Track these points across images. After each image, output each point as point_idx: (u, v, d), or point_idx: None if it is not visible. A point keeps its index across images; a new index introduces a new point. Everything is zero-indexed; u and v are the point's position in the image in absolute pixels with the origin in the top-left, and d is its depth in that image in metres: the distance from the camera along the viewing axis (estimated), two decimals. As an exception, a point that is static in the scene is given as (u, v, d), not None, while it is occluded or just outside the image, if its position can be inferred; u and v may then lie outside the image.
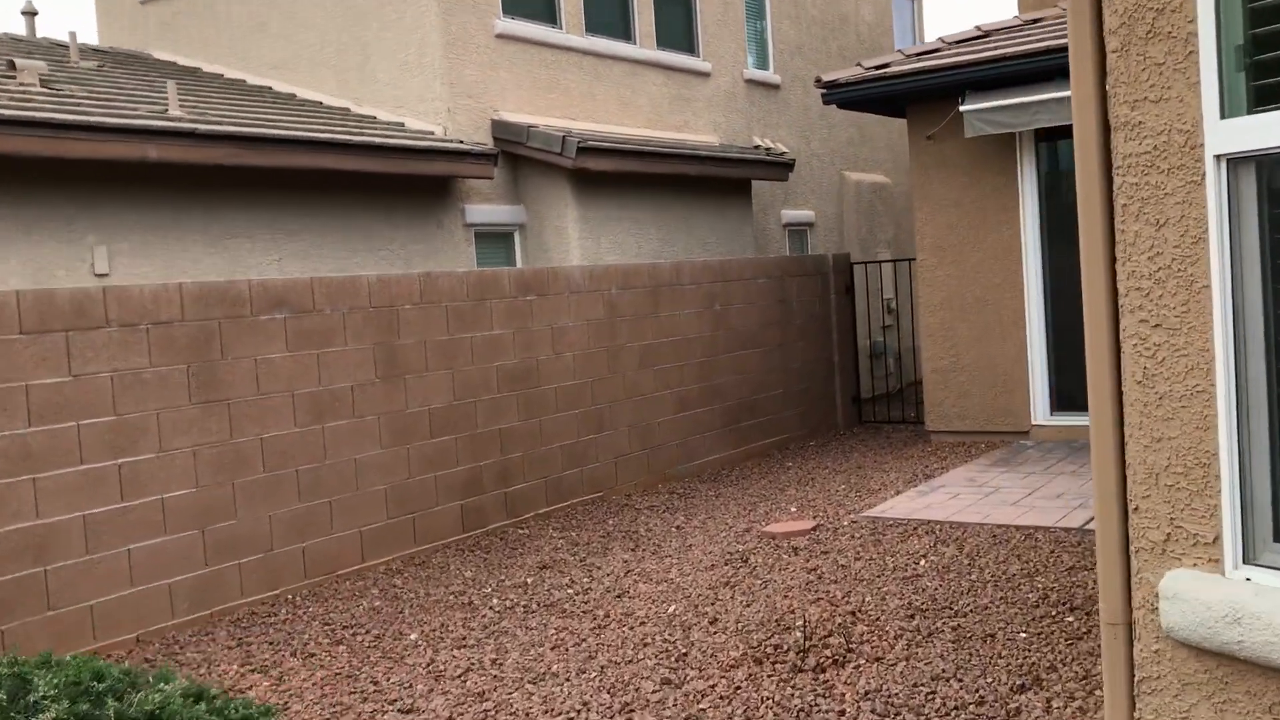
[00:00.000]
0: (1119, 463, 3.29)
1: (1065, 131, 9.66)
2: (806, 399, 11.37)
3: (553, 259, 10.64)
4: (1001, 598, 5.47)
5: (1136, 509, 3.23)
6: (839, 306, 11.98)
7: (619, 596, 6.19)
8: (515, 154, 10.61)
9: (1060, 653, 4.72)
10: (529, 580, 6.68)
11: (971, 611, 5.30)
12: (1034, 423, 9.90)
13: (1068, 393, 9.87)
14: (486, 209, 10.45)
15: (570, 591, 6.37)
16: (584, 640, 5.49)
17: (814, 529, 7.25)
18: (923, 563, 6.24)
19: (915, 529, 7.02)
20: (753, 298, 10.61)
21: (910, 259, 11.97)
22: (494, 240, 10.68)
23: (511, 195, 10.76)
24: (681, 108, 12.73)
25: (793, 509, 8.07)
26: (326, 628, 6.03)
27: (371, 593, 6.65)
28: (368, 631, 5.91)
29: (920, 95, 9.96)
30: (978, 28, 10.42)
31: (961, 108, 9.52)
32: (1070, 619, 5.07)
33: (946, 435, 10.35)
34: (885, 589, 5.79)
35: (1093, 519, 6.76)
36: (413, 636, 5.77)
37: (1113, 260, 3.40)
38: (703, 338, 9.96)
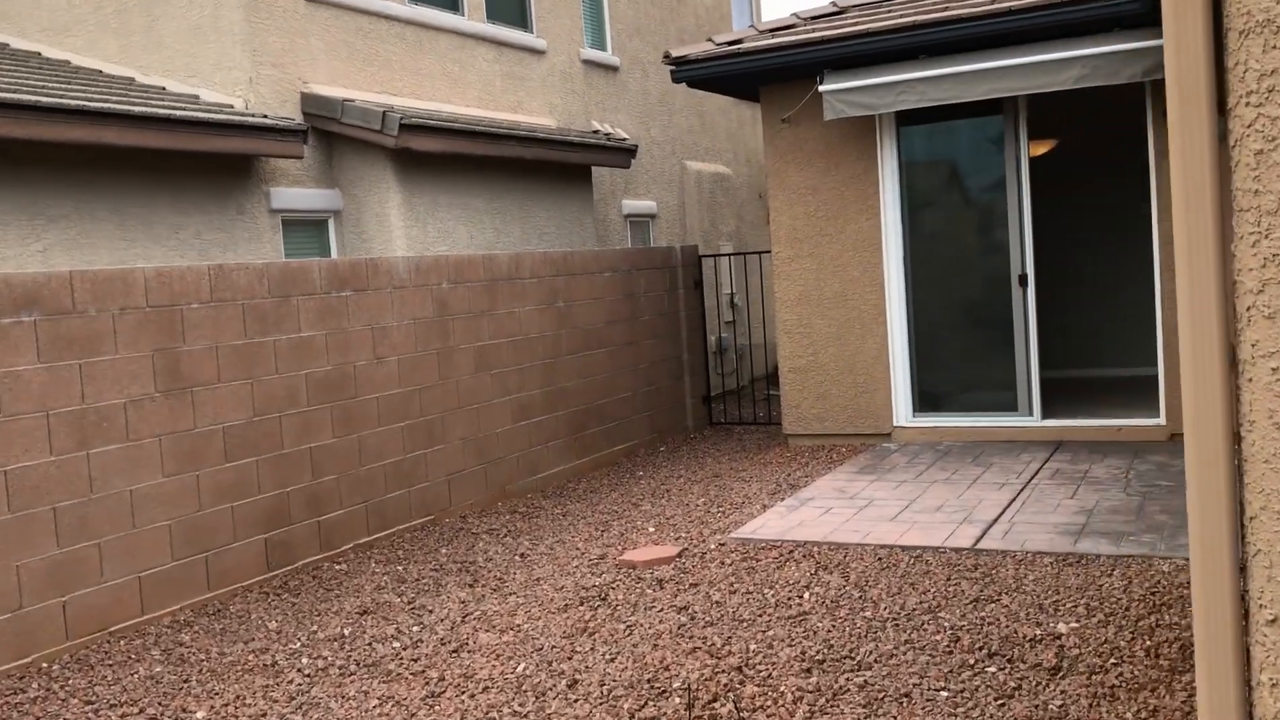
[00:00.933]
0: (1234, 535, 2.48)
1: (929, 115, 9.09)
2: (656, 401, 10.55)
3: (374, 249, 9.50)
4: (906, 641, 4.72)
5: (1263, 605, 2.42)
6: (688, 302, 11.20)
7: (456, 651, 5.19)
8: (329, 132, 9.42)
9: (991, 714, 3.97)
10: (346, 631, 5.61)
11: (876, 662, 4.52)
12: (896, 424, 9.32)
13: (931, 393, 9.33)
14: (296, 193, 9.24)
15: (396, 645, 5.34)
16: (414, 714, 4.48)
17: (679, 555, 6.39)
18: (807, 596, 5.46)
19: (791, 552, 6.25)
20: (599, 293, 9.72)
21: (754, 252, 11.28)
22: (305, 229, 9.47)
23: (326, 178, 9.56)
24: (515, 87, 11.73)
25: (651, 529, 7.20)
26: (89, 707, 4.83)
27: (151, 654, 5.46)
28: (141, 711, 4.75)
29: (776, 74, 9.24)
30: (833, 3, 9.77)
31: (820, 88, 8.84)
32: (993, 669, 4.35)
33: (805, 439, 9.68)
34: (771, 633, 4.97)
35: (985, 534, 6.25)
36: (199, 716, 4.65)
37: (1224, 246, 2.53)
38: (545, 337, 9.01)
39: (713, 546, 6.56)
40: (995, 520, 6.55)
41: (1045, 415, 9.05)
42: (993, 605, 5.06)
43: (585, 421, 9.47)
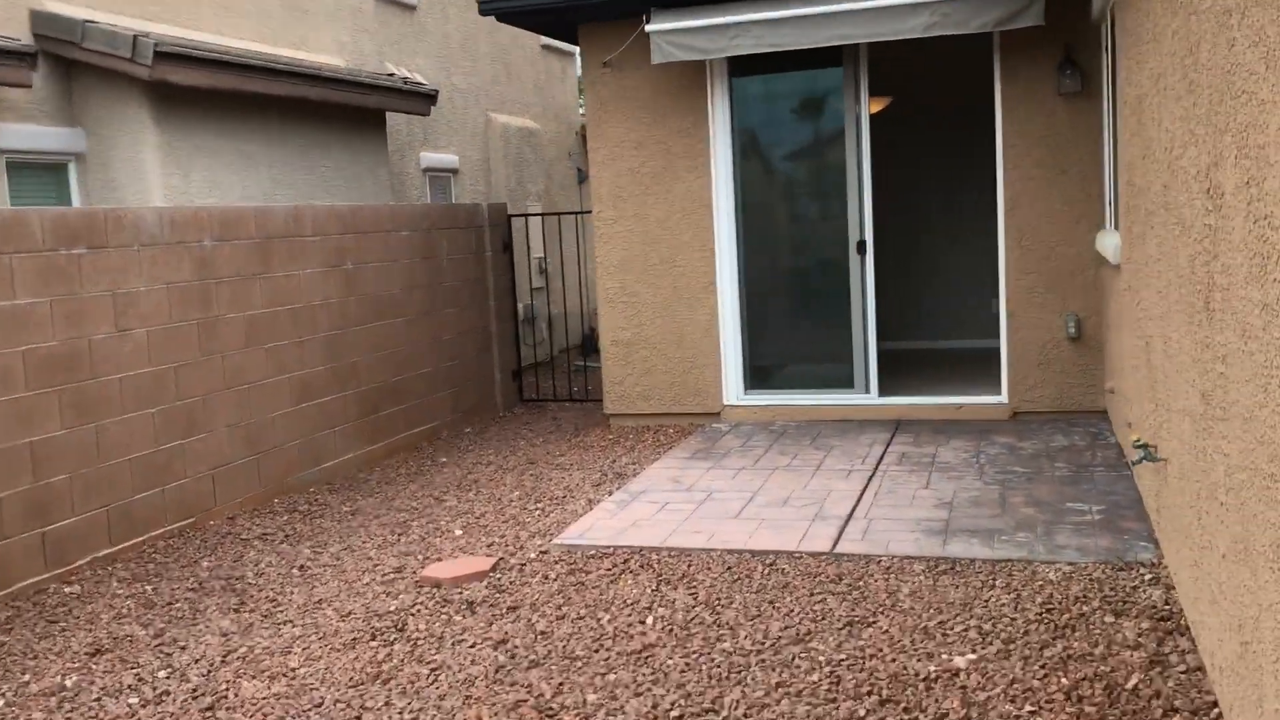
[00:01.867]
0: None
1: (764, 65, 8.29)
2: (460, 376, 9.46)
3: (126, 199, 8.04)
4: (779, 685, 3.87)
5: None
6: (496, 266, 10.13)
7: (210, 709, 4.06)
8: (69, 59, 7.89)
9: (898, 792, 3.17)
10: (69, 681, 4.39)
11: (747, 717, 3.65)
12: (727, 403, 8.54)
13: (763, 368, 8.59)
14: (26, 131, 7.68)
15: (134, 701, 4.17)
16: (145, 815, 3.36)
17: (492, 569, 5.39)
18: (651, 621, 4.56)
19: (627, 562, 5.34)
20: (394, 254, 8.54)
21: (568, 213, 10.31)
22: (38, 174, 7.92)
23: (64, 115, 8.02)
24: (299, 20, 10.32)
25: (458, 531, 6.17)
26: None
27: None
28: None
29: (597, 9, 8.24)
30: (660, -62, 8.82)
31: (647, 28, 7.91)
32: (890, 724, 3.55)
33: (628, 419, 8.80)
34: (613, 676, 4.05)
35: (842, 534, 5.29)
36: None
37: None
38: (331, 305, 7.80)
39: (533, 555, 5.58)
40: (850, 516, 5.81)
41: (883, 393, 8.44)
42: (870, 630, 4.28)
43: (379, 402, 8.31)
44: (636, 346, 8.67)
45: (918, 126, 10.96)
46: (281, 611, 5.07)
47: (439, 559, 5.64)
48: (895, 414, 8.20)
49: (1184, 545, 4.03)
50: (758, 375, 8.59)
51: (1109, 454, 6.80)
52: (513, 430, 9.17)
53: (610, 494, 6.68)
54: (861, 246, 8.20)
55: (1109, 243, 6.61)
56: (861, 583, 4.81)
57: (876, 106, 11.05)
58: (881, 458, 7.06)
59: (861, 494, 6.23)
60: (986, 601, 4.49)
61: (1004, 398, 8.04)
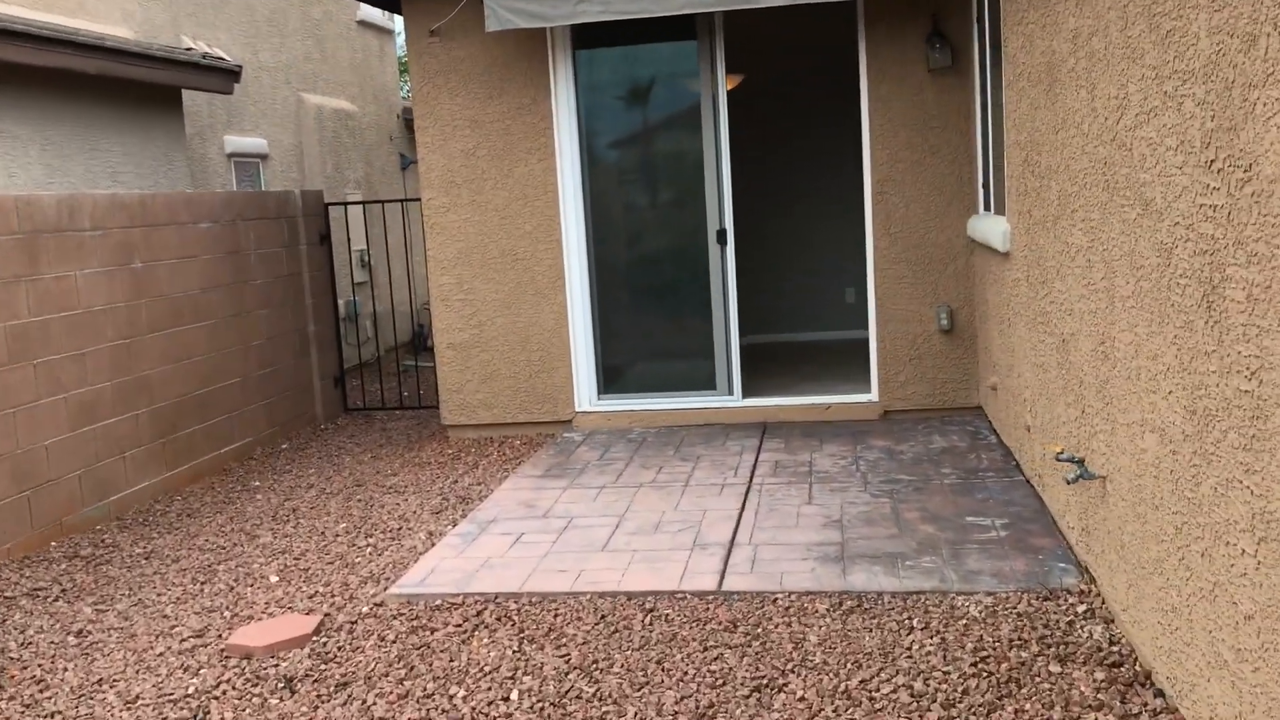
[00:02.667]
0: None
1: (611, 36, 7.52)
2: (276, 386, 8.40)
3: None
4: (685, 783, 3.12)
5: None
6: (313, 260, 9.08)
7: None
8: None
9: None
10: None
11: (654, 837, 2.89)
12: (579, 409, 7.77)
13: (619, 369, 7.85)
14: None
15: None
16: None
17: (316, 630, 4.47)
18: (516, 698, 3.75)
19: (481, 614, 4.50)
20: (194, 249, 7.43)
21: (392, 201, 9.34)
22: None
23: None
24: (74, -19, 9.02)
25: (273, 578, 5.22)
26: None
27: None
28: None
29: (424, -27, 7.32)
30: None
31: (482, -8, 7.04)
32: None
33: (469, 430, 7.93)
34: (474, 782, 3.23)
35: (728, 567, 4.47)
36: None
37: None
38: (117, 310, 6.67)
39: (365, 609, 4.69)
40: (733, 542, 5.12)
41: (748, 394, 7.82)
42: (782, 697, 3.58)
43: (179, 420, 7.21)
44: (476, 349, 7.80)
45: (782, 106, 10.40)
46: (49, 698, 4.05)
47: (250, 617, 4.68)
48: (761, 416, 7.58)
49: (1137, 578, 3.46)
50: (612, 378, 7.84)
51: (994, 457, 6.32)
52: (337, 445, 8.18)
53: (454, 524, 5.82)
54: (722, 235, 7.54)
55: (993, 229, 6.11)
56: (761, 630, 4.12)
57: (735, 83, 10.43)
58: (754, 468, 6.41)
59: (740, 514, 5.55)
60: (909, 649, 3.85)
61: (874, 395, 7.52)
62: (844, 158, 10.32)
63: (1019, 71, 5.26)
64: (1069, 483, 3.90)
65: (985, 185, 6.87)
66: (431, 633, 4.35)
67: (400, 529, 5.84)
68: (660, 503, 5.84)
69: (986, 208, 6.84)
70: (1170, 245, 2.93)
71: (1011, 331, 5.80)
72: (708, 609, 4.36)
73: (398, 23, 20.05)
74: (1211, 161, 2.56)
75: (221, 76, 9.62)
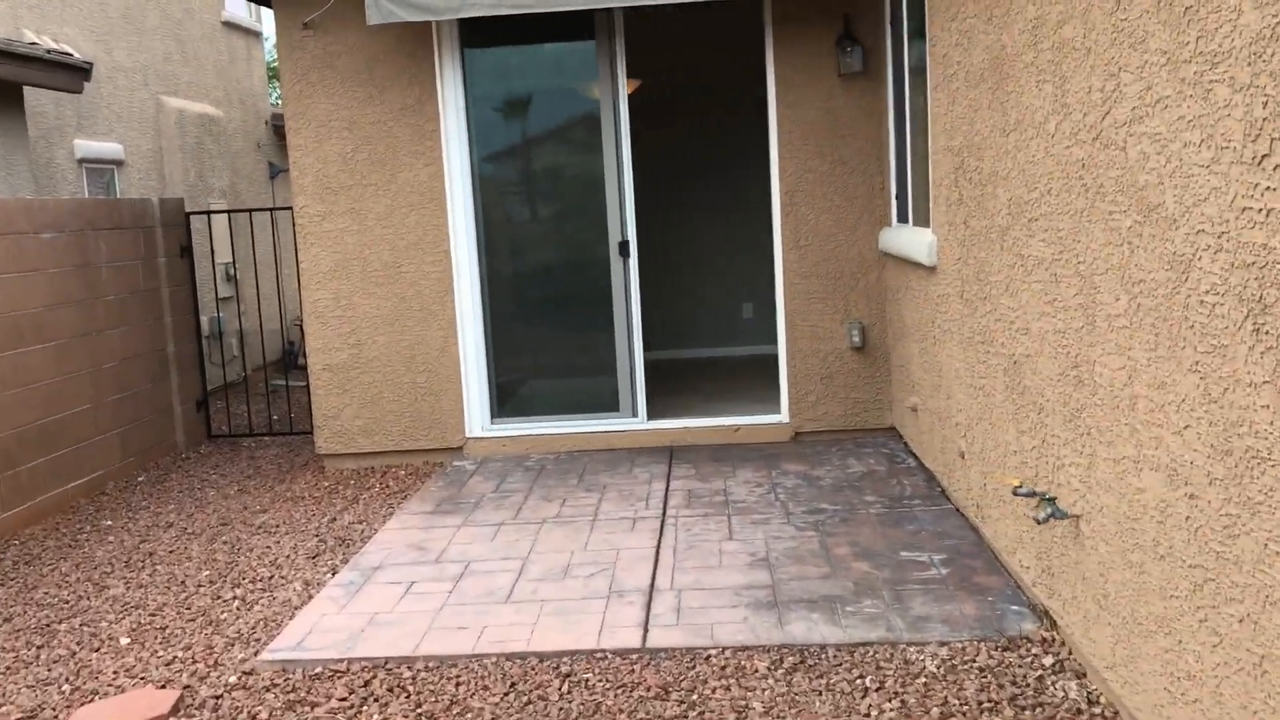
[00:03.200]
0: None
1: (504, 32, 6.98)
2: (131, 412, 7.59)
3: None
4: None
5: None
6: (173, 274, 8.29)
7: None
8: None
9: None
10: None
11: None
12: (471, 435, 7.17)
13: (514, 391, 7.28)
14: None
15: None
16: None
17: (174, 710, 3.81)
18: (417, 790, 3.17)
19: (369, 684, 3.90)
20: (35, 262, 6.62)
21: (260, 209, 8.61)
22: None
23: None
24: (-105, -38, 8.07)
25: (124, 639, 4.52)
26: None
27: None
28: None
29: (296, -41, 6.68)
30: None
31: (361, -19, 6.42)
32: None
33: (348, 460, 7.26)
34: None
35: (650, 618, 3.96)
36: None
37: None
38: (-61, 332, 5.84)
39: (233, 679, 4.03)
40: (653, 587, 4.62)
41: (653, 415, 7.34)
42: (733, 781, 3.08)
43: (18, 453, 6.39)
44: (355, 371, 7.14)
45: (687, 112, 9.96)
46: None
47: (95, 692, 3.99)
48: (668, 439, 7.10)
49: (1130, 634, 3.07)
50: (507, 400, 7.27)
51: (917, 482, 5.96)
52: (200, 477, 7.42)
53: (334, 571, 5.18)
54: (624, 247, 7.05)
55: (914, 241, 5.75)
56: (696, 697, 3.61)
57: (636, 87, 9.98)
58: (666, 498, 5.92)
59: (658, 553, 5.05)
60: (868, 716, 3.39)
61: (785, 416, 7.11)
62: (751, 167, 9.96)
63: (951, 72, 4.90)
64: (1039, 522, 3.50)
65: (900, 196, 6.53)
66: (312, 708, 3.73)
67: (272, 577, 5.18)
68: (567, 541, 5.29)
69: (902, 219, 6.50)
70: (1189, 257, 2.54)
71: (938, 350, 5.44)
72: (633, 671, 3.83)
73: (266, 25, 19.12)
74: (1263, 157, 2.16)
75: (69, 74, 8.76)
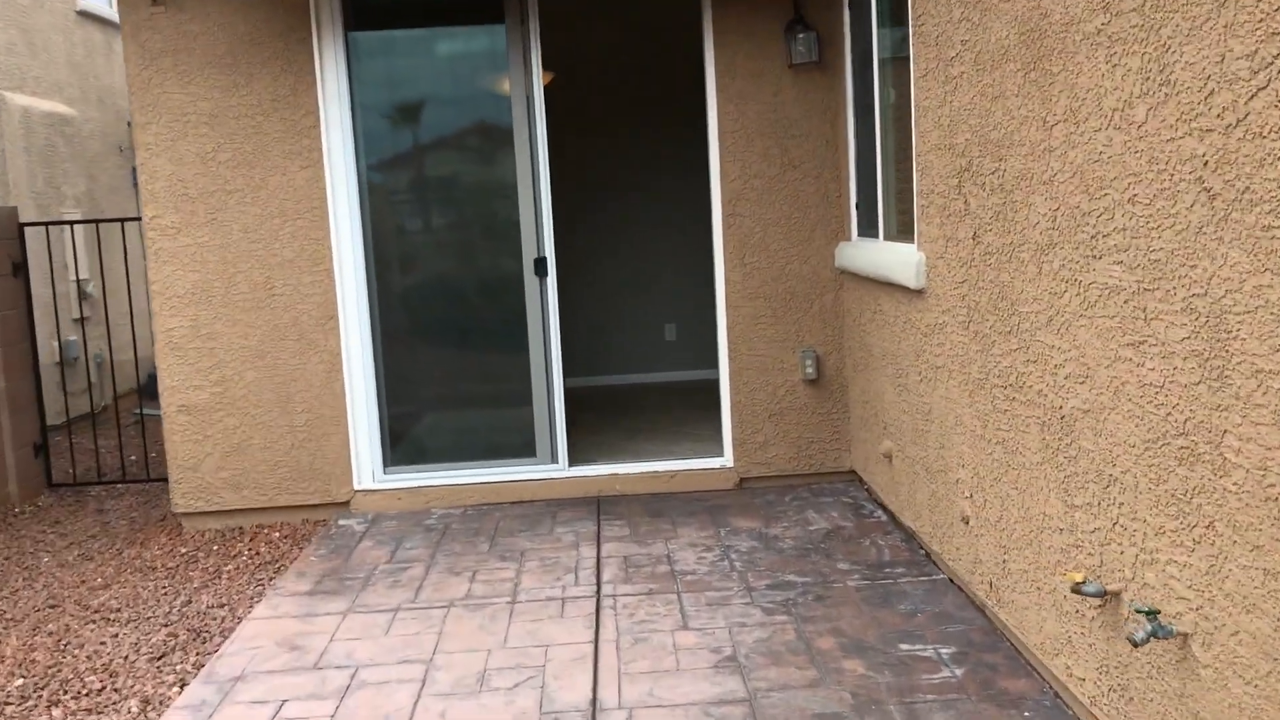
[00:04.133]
0: None
1: (397, 12, 5.92)
2: (-58, 467, 6.30)
3: None
4: None
5: None
6: (4, 295, 7.01)
7: None
8: None
9: None
10: None
11: None
12: (360, 487, 6.07)
13: (412, 434, 6.20)
14: None
15: None
16: None
17: None
18: None
19: None
20: None
21: (115, 220, 7.36)
22: None
23: None
24: None
25: (-115, 800, 3.34)
26: None
27: None
28: None
29: (141, -83, 5.52)
30: None
31: (221, -56, 5.31)
32: None
33: (212, 519, 6.09)
34: None
35: None
36: None
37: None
38: None
39: None
40: (596, 706, 3.61)
41: (575, 460, 6.33)
42: None
43: None
44: (219, 412, 5.98)
45: (614, 109, 8.98)
46: None
47: None
48: (594, 488, 6.10)
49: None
50: (403, 446, 6.18)
51: (894, 543, 5.06)
52: (34, 538, 6.18)
53: (182, 684, 4.05)
54: (541, 265, 6.03)
55: (891, 259, 4.86)
56: None
57: (551, 79, 8.97)
58: (599, 568, 4.92)
59: (597, 651, 4.04)
60: None
61: (728, 460, 6.17)
62: (688, 172, 9.02)
63: (950, 54, 4.01)
64: (1136, 644, 2.59)
65: (865, 205, 5.65)
66: None
67: (104, 691, 4.04)
68: (482, 634, 4.25)
69: (866, 232, 5.62)
70: None
71: (927, 390, 4.55)
72: (584, 847, 2.82)
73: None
74: None
75: (-126, 57, 7.39)
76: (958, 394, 4.17)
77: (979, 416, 3.95)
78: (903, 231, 4.97)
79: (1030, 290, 3.41)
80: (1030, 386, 3.46)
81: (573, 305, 9.13)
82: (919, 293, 4.58)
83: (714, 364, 9.19)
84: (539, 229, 6.00)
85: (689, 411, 7.69)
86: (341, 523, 5.88)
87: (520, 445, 6.15)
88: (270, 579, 5.16)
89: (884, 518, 5.45)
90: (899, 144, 4.93)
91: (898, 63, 4.91)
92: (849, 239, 5.91)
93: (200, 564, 5.49)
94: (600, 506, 5.90)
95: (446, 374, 6.14)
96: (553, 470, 6.12)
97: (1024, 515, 3.58)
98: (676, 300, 9.13)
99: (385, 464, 6.12)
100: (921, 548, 4.94)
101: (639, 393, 8.65)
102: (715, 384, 8.85)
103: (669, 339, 9.19)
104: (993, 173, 3.67)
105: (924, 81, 4.38)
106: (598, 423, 7.51)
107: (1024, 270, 3.44)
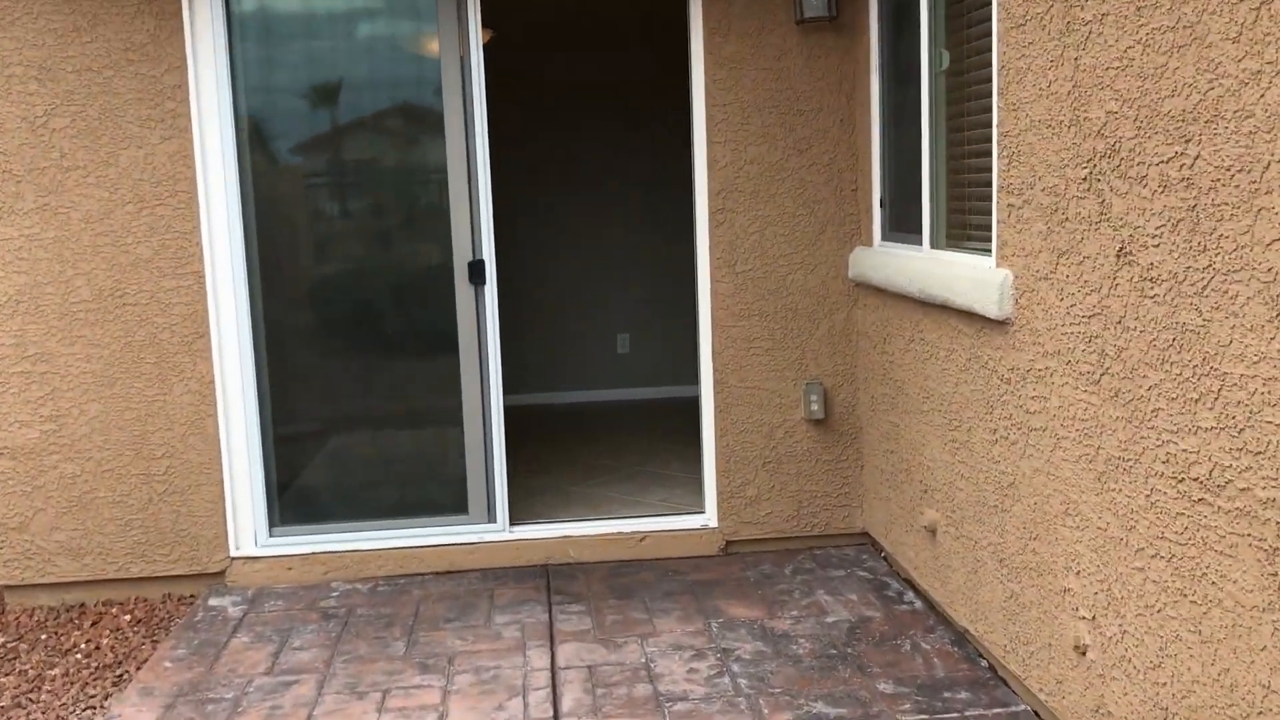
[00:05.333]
0: None
1: (291, -69, 4.56)
2: None
3: None
4: None
5: None
6: None
7: None
8: None
9: None
10: None
11: None
12: (238, 554, 4.71)
13: (306, 486, 4.84)
14: None
15: None
16: None
17: None
18: None
19: None
20: None
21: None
22: None
23: None
24: None
25: None
26: None
27: None
28: None
29: None
30: None
31: None
32: None
33: (43, 592, 4.69)
34: None
35: None
36: None
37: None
38: None
39: None
40: None
41: (516, 516, 5.03)
42: None
43: None
44: (53, 456, 4.58)
45: (572, 77, 7.66)
46: None
47: None
48: (541, 554, 4.81)
49: None
50: (295, 500, 4.82)
51: (943, 645, 3.86)
52: None
53: None
54: (478, 270, 4.71)
55: (956, 274, 3.64)
56: None
57: (491, 38, 7.62)
58: (556, 690, 3.63)
59: None
60: None
61: (711, 518, 4.92)
62: (666, 156, 7.75)
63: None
64: None
65: (897, 200, 4.43)
66: None
67: None
68: (392, 815, 2.94)
69: (898, 235, 4.40)
70: None
71: (1012, 457, 3.34)
72: None
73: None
74: None
75: None
76: (1072, 473, 2.96)
77: (1117, 513, 2.74)
78: (958, 237, 3.75)
79: (1252, 345, 2.20)
80: (1245, 490, 2.25)
81: (514, 314, 7.82)
82: (1000, 323, 3.37)
83: (673, 380, 7.95)
84: (476, 225, 4.68)
85: (653, 443, 6.44)
86: (213, 603, 4.51)
87: (448, 499, 4.83)
88: (106, 696, 3.80)
89: (919, 604, 4.24)
90: (955, 124, 3.71)
91: (956, 13, 3.69)
92: (869, 243, 4.69)
93: (18, 665, 4.10)
94: (551, 581, 4.62)
95: (354, 409, 4.79)
96: (490, 531, 4.81)
97: (1215, 677, 2.38)
98: (633, 306, 7.87)
99: (271, 524, 4.76)
100: (983, 657, 3.74)
101: (590, 415, 7.37)
102: (678, 404, 7.60)
103: (621, 351, 7.92)
104: (1168, 161, 2.45)
105: (1018, 33, 3.15)
106: (545, 457, 6.22)
107: (1239, 313, 2.23)
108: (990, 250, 3.50)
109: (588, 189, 7.74)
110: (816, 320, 4.83)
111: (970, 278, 3.48)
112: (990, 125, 3.48)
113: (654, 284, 7.85)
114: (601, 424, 7.06)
